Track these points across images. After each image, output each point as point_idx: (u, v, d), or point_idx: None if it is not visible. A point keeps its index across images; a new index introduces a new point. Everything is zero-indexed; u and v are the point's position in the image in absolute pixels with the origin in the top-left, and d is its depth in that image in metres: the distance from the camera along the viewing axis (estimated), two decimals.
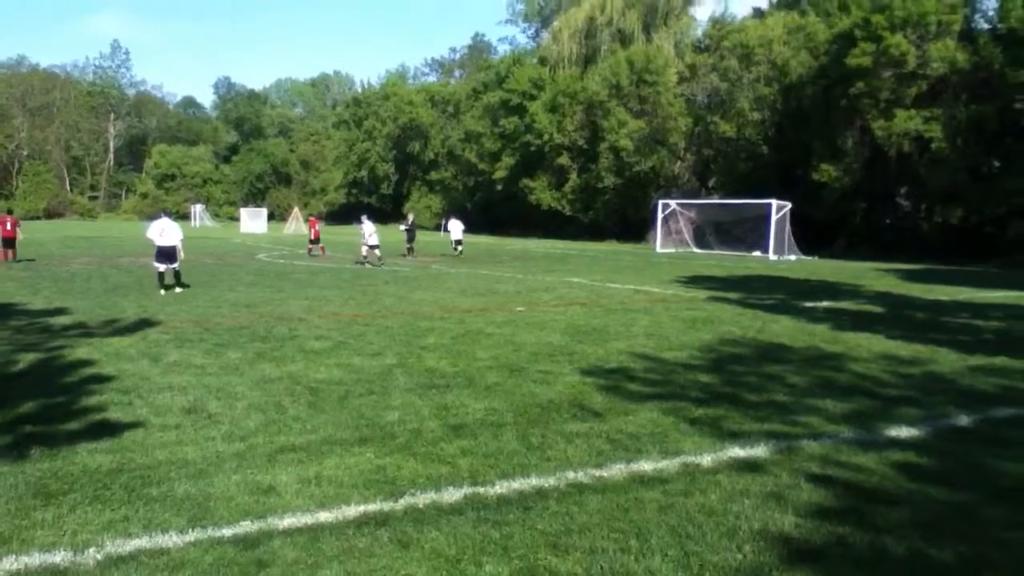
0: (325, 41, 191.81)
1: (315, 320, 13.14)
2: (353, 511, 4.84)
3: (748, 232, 41.50)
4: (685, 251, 44.53)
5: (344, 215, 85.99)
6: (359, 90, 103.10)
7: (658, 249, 44.74)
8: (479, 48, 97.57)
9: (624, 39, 62.17)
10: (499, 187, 67.14)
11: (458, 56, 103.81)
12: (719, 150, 52.95)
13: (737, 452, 6.11)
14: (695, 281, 22.90)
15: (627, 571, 4.13)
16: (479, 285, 20.25)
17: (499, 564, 4.16)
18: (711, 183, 56.42)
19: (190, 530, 4.52)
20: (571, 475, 5.53)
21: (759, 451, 6.16)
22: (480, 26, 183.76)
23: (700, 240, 46.15)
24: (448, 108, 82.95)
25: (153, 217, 18.03)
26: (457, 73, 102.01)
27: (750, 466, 5.79)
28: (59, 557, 4.18)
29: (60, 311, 13.72)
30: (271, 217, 73.62)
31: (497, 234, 62.90)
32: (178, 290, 17.39)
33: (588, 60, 63.78)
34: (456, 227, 35.37)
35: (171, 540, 4.39)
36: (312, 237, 33.77)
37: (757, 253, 40.24)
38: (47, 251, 32.19)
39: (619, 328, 12.65)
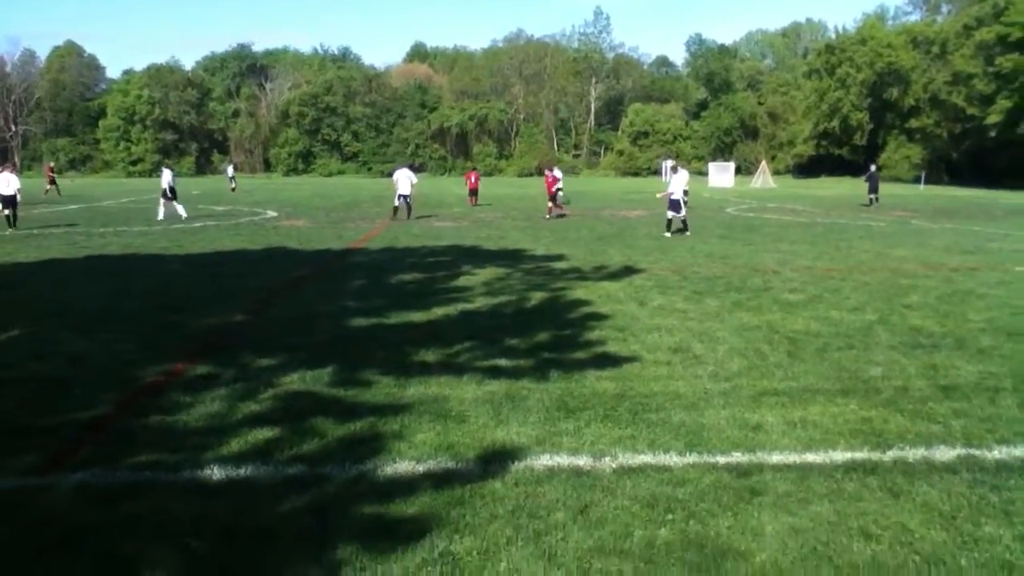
0: None
1: (788, 273, 13.19)
2: (840, 456, 4.98)
3: None
4: None
5: (811, 168, 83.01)
6: (832, 36, 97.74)
7: None
8: None
9: None
10: (992, 134, 59.72)
11: None
12: None
13: None
14: None
15: None
16: (967, 242, 18.46)
17: (1000, 527, 4.03)
18: None
19: (688, 453, 5.05)
20: None
21: None
22: None
23: None
24: (932, 49, 75.09)
25: (675, 170, 21.19)
26: (944, 9, 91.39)
27: None
28: (582, 461, 4.96)
29: (558, 257, 15.51)
30: (737, 171, 73.66)
31: (989, 187, 56.00)
32: (677, 232, 19.96)
33: None
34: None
35: (672, 460, 4.95)
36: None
37: None
38: (538, 204, 36.04)
39: None
